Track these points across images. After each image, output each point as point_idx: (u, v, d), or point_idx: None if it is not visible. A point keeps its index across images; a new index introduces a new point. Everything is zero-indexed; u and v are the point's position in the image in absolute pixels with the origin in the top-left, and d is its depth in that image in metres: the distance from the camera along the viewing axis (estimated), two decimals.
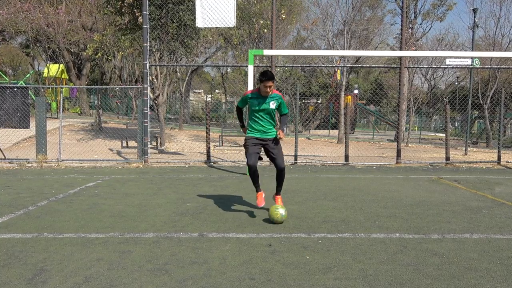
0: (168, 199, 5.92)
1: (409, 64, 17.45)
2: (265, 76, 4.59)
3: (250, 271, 3.22)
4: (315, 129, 25.83)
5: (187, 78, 23.13)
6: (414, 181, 7.81)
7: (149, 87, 10.27)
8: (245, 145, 4.84)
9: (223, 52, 25.75)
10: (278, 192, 4.99)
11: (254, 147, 4.74)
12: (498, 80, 18.69)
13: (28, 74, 29.38)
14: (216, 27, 11.61)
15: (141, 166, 9.76)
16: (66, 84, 26.29)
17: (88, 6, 22.97)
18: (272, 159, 4.80)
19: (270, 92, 4.70)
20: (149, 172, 8.79)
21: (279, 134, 4.74)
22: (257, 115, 4.79)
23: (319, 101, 31.71)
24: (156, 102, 13.27)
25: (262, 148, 4.85)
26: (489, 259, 3.53)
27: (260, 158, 4.82)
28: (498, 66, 16.73)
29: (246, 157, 4.79)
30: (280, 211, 4.54)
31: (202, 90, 46.92)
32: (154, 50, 12.38)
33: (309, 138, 20.22)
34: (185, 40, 12.52)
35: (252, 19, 16.39)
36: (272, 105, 4.75)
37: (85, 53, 20.75)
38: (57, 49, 23.65)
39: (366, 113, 31.22)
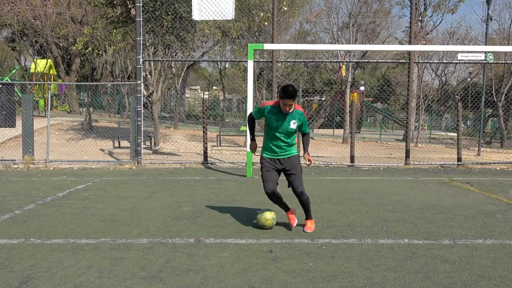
0: (163, 202, 5.92)
1: (419, 59, 17.46)
2: (285, 93, 4.12)
3: (249, 279, 3.23)
4: (319, 128, 25.83)
5: (183, 74, 23.13)
6: (423, 183, 7.81)
7: (142, 84, 10.27)
8: (261, 169, 4.53)
9: (220, 46, 25.75)
10: (307, 216, 4.62)
11: (270, 174, 4.42)
12: None
13: (14, 70, 29.41)
14: (214, 20, 11.62)
15: (134, 167, 9.76)
16: (54, 80, 26.30)
17: None
18: (289, 183, 4.50)
19: (292, 109, 4.33)
20: (142, 173, 8.79)
21: (307, 160, 4.43)
22: (274, 134, 4.39)
23: (323, 99, 31.71)
24: (150, 99, 13.27)
25: (281, 172, 4.52)
26: (503, 266, 3.54)
27: (277, 184, 4.49)
28: None
29: (263, 180, 4.47)
30: (268, 217, 4.48)
31: (199, 87, 46.90)
32: (147, 44, 12.39)
33: (312, 138, 20.22)
34: (181, 34, 12.52)
35: (252, 11, 16.38)
36: (293, 124, 4.34)
37: (74, 48, 20.77)
38: (44, 43, 23.66)
39: (373, 111, 31.22)
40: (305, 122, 4.47)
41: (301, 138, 4.72)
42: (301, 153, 4.70)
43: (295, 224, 4.62)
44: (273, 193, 4.41)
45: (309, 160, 4.44)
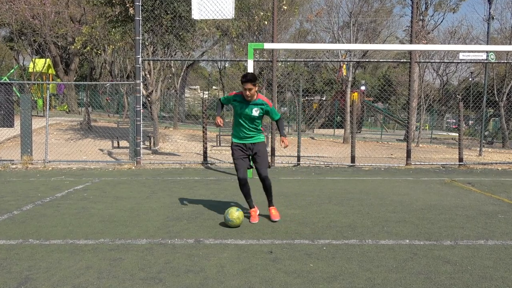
0: (162, 203, 5.93)
1: (420, 59, 17.46)
2: (244, 77, 4.57)
3: (249, 280, 3.23)
4: (319, 128, 25.85)
5: (182, 74, 23.14)
6: (425, 183, 7.82)
7: (141, 83, 10.28)
8: (232, 155, 4.94)
9: (220, 45, 25.75)
10: (270, 203, 5.01)
11: (242, 161, 4.83)
12: None
13: (12, 69, 29.41)
14: (213, 19, 11.62)
15: (133, 167, 9.76)
16: (53, 80, 26.30)
17: None
18: (256, 164, 4.88)
19: (255, 97, 4.70)
20: (141, 174, 8.80)
21: (283, 142, 4.84)
22: (240, 121, 4.82)
23: (324, 98, 31.72)
24: (149, 99, 13.27)
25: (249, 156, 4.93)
26: (505, 267, 3.54)
27: (250, 167, 4.93)
28: None
29: (235, 169, 4.87)
30: (235, 216, 4.53)
31: (199, 87, 46.92)
32: (147, 43, 12.39)
33: (313, 138, 20.23)
34: (180, 33, 12.52)
35: (252, 10, 16.39)
36: (255, 112, 4.73)
37: (73, 47, 20.73)
38: (43, 43, 23.65)
39: (373, 111, 31.23)
40: (272, 110, 4.85)
41: (276, 125, 5.09)
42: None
43: (254, 222, 4.83)
44: (246, 180, 4.83)
45: (283, 141, 4.85)
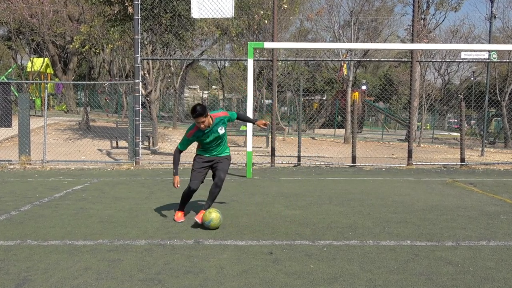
0: (161, 203, 5.93)
1: (421, 58, 17.47)
2: (193, 113, 4.51)
3: (249, 281, 3.23)
4: (320, 128, 25.84)
5: (181, 73, 23.14)
6: (426, 184, 7.82)
7: (140, 83, 10.28)
8: (192, 166, 4.97)
9: (220, 45, 25.77)
10: (206, 205, 4.82)
11: (198, 175, 4.86)
12: None
13: (10, 69, 29.39)
14: (213, 18, 11.62)
15: (132, 167, 9.76)
16: (51, 79, 26.30)
17: None
18: (215, 170, 4.88)
19: (212, 121, 4.69)
20: (140, 174, 8.80)
21: (261, 124, 5.08)
22: (209, 146, 4.85)
23: (324, 98, 31.73)
24: (148, 99, 13.27)
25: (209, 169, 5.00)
26: (507, 268, 3.54)
27: (201, 182, 4.94)
28: None
29: (190, 178, 4.87)
30: (214, 216, 4.49)
31: (198, 86, 46.94)
32: (146, 42, 12.39)
33: (313, 138, 20.23)
34: (180, 32, 12.52)
35: (252, 9, 16.40)
36: (221, 130, 4.81)
37: (71, 46, 20.77)
38: (41, 42, 23.65)
39: (374, 110, 31.22)
40: (230, 116, 4.92)
41: (241, 123, 5.12)
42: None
43: (179, 221, 4.89)
44: (193, 192, 4.88)
45: (264, 124, 5.11)
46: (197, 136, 4.76)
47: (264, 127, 5.04)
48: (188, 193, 4.91)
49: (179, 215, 4.99)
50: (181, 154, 4.88)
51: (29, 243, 4.12)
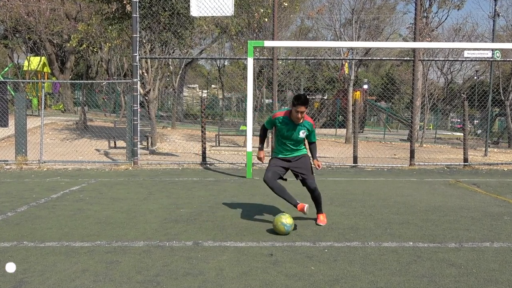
0: (160, 204, 5.92)
1: (424, 57, 17.47)
2: (298, 100, 4.48)
3: (249, 283, 3.22)
4: (321, 127, 25.86)
5: (180, 72, 23.15)
6: (429, 184, 7.82)
7: (139, 82, 10.27)
8: (269, 163, 4.92)
9: (219, 43, 25.77)
10: (318, 211, 4.97)
11: (273, 168, 4.75)
12: None
13: (7, 68, 29.38)
14: (212, 16, 11.62)
15: (130, 168, 9.76)
16: (48, 78, 26.30)
17: None
18: (302, 181, 4.81)
19: (302, 120, 4.64)
20: (139, 174, 8.80)
21: (316, 165, 4.82)
22: (284, 141, 4.79)
23: (325, 97, 31.74)
24: (146, 98, 13.27)
25: (288, 170, 4.85)
26: (511, 270, 3.54)
27: (284, 179, 4.88)
28: None
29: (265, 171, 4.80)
30: (284, 222, 4.37)
31: (197, 85, 46.95)
32: (144, 41, 12.39)
33: None
34: (178, 30, 12.52)
35: (252, 7, 16.38)
36: (302, 134, 4.72)
37: (68, 45, 20.76)
38: (38, 40, 23.66)
39: (376, 110, 31.23)
40: (313, 132, 4.86)
41: (308, 146, 5.03)
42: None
43: (305, 209, 4.62)
44: (272, 181, 4.67)
45: (318, 166, 4.83)
46: (280, 122, 4.70)
47: (318, 168, 4.83)
48: (272, 188, 4.68)
49: (299, 209, 4.66)
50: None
51: (25, 244, 4.12)
